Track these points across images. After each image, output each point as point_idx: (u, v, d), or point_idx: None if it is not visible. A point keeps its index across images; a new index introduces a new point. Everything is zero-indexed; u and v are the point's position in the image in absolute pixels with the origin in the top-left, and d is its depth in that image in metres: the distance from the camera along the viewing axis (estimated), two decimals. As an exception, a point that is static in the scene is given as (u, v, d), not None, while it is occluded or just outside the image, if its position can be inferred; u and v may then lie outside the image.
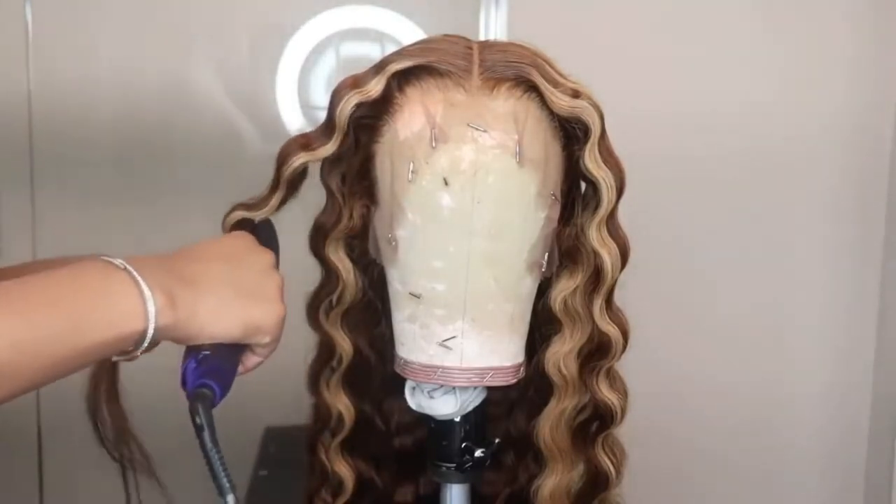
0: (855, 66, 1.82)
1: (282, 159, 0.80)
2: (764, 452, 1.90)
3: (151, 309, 0.62)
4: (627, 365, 0.86)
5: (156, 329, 0.63)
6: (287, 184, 0.80)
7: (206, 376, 0.65)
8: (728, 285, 1.84)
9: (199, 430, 0.62)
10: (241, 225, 0.83)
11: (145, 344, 0.63)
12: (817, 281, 1.88)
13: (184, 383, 0.66)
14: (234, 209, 0.83)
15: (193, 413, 0.63)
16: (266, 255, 0.75)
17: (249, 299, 0.69)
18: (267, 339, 0.71)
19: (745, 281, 1.85)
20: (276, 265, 0.77)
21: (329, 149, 0.78)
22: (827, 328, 1.89)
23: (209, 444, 0.62)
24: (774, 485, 1.90)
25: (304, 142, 0.80)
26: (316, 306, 0.88)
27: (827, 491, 1.93)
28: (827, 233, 1.87)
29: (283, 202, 0.82)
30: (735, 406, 1.86)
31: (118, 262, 0.63)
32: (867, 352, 1.89)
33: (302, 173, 0.81)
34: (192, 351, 0.67)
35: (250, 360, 0.73)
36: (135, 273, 0.62)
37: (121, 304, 0.62)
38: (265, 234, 0.82)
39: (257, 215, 0.82)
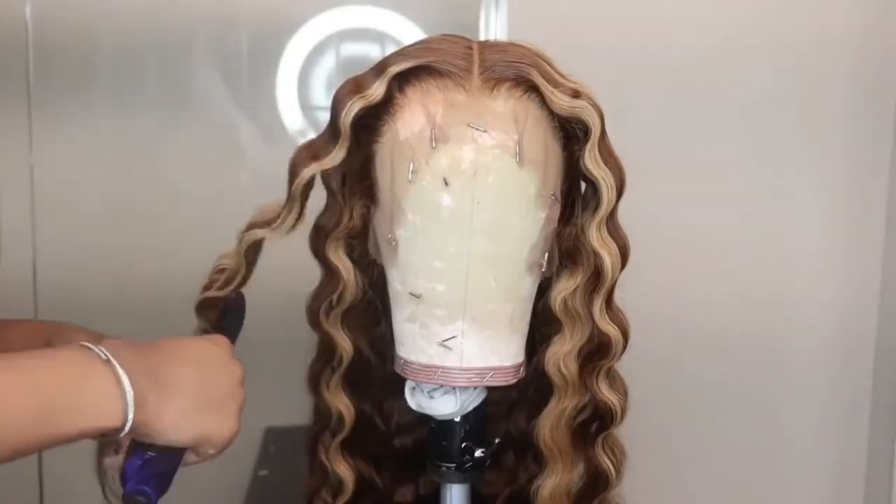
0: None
1: (293, 172, 0.80)
2: (763, 456, 1.89)
3: (130, 412, 0.62)
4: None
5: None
6: (302, 196, 0.81)
7: (147, 482, 0.67)
8: (724, 287, 1.83)
9: None
10: (212, 302, 0.85)
11: (118, 436, 0.64)
12: (815, 268, 1.87)
13: (123, 481, 0.67)
14: (251, 227, 0.83)
15: None
16: (238, 370, 0.75)
17: (210, 413, 0.70)
18: (212, 451, 0.72)
19: (744, 262, 1.84)
20: (242, 381, 0.77)
21: (336, 157, 0.78)
22: (827, 330, 1.89)
23: None
24: (775, 487, 1.90)
25: (312, 152, 0.80)
26: (316, 306, 0.88)
27: (827, 492, 1.93)
28: (827, 214, 1.86)
29: (300, 215, 0.82)
30: (733, 407, 1.86)
31: (101, 352, 0.63)
32: (867, 348, 1.89)
33: (310, 183, 0.81)
34: (139, 448, 0.68)
35: (190, 457, 0.73)
36: (120, 371, 0.62)
37: (101, 399, 0.62)
38: (235, 308, 0.84)
39: (275, 235, 0.82)
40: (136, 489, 0.66)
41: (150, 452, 0.68)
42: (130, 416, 0.62)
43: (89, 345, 0.63)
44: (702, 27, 1.77)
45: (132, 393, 0.62)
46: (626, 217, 0.83)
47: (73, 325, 0.87)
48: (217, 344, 0.76)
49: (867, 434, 1.90)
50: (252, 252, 0.84)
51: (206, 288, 0.86)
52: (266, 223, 0.82)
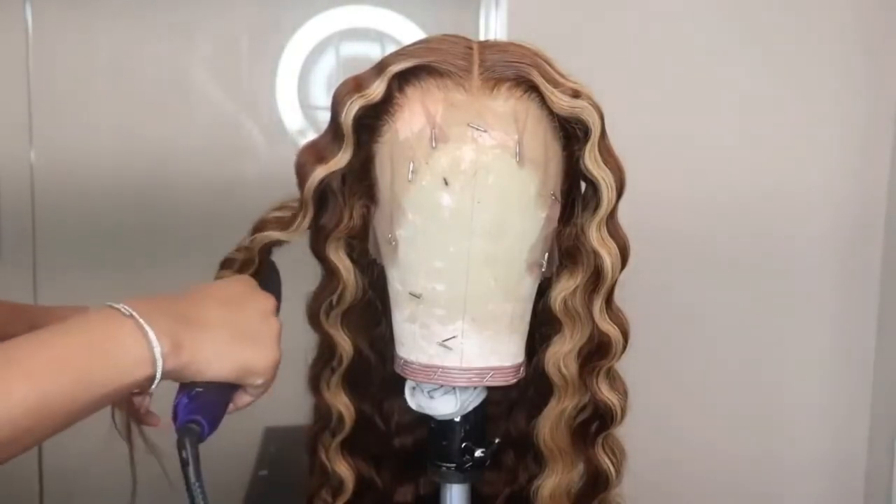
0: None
1: (302, 177, 0.80)
2: (763, 455, 1.89)
3: (159, 356, 0.64)
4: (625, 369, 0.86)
5: (163, 373, 0.65)
6: (314, 200, 0.80)
7: (197, 412, 0.67)
8: (726, 293, 1.83)
9: (184, 463, 0.64)
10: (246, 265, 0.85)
11: (153, 387, 0.66)
12: (817, 285, 1.88)
13: (175, 417, 0.68)
14: (264, 226, 0.83)
15: (180, 447, 0.65)
16: (267, 301, 0.76)
17: (246, 343, 0.71)
18: (259, 381, 0.73)
19: (743, 288, 1.84)
20: (278, 309, 0.78)
21: (343, 159, 0.79)
22: (827, 332, 1.89)
23: (193, 479, 0.64)
24: (774, 486, 1.90)
25: (317, 154, 0.80)
26: (317, 307, 0.88)
27: (827, 492, 1.93)
28: (826, 236, 1.86)
29: (316, 217, 0.82)
30: (734, 409, 1.86)
31: (124, 308, 0.65)
32: (867, 354, 1.89)
33: (322, 185, 0.81)
34: (185, 388, 0.69)
35: (242, 399, 0.74)
36: (141, 321, 0.64)
37: (130, 354, 0.63)
38: (268, 276, 0.84)
39: (287, 235, 0.82)
40: (187, 419, 0.67)
41: (197, 388, 0.69)
42: (160, 364, 0.64)
43: (113, 304, 0.66)
44: (703, 24, 1.77)
45: (157, 341, 0.64)
46: (628, 215, 0.83)
47: (56, 307, 0.89)
48: (240, 280, 0.78)
49: (867, 434, 1.91)
50: (265, 252, 0.85)
51: (224, 266, 0.87)
52: (281, 226, 0.82)
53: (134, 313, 0.64)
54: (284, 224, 0.82)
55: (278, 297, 0.83)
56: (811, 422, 1.91)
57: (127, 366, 0.63)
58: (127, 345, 0.63)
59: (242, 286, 0.77)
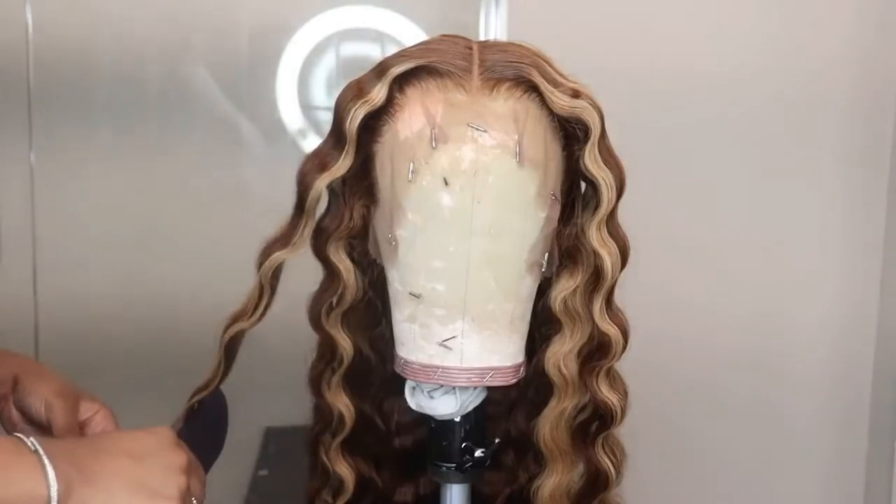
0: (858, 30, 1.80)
1: (304, 185, 0.80)
2: (762, 445, 1.89)
3: (55, 495, 0.63)
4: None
5: None
6: (314, 208, 0.81)
7: None
8: (726, 274, 1.83)
9: None
10: (191, 410, 0.86)
11: None
12: (815, 269, 1.87)
13: None
14: (270, 251, 0.82)
15: None
16: (177, 456, 0.74)
17: (144, 497, 0.70)
18: None
19: (744, 265, 1.83)
20: (214, 458, 0.77)
21: (344, 165, 0.78)
22: (826, 323, 1.88)
23: None
24: (774, 483, 1.90)
25: (319, 161, 0.80)
26: (318, 308, 0.88)
27: (827, 490, 1.93)
28: (827, 219, 1.85)
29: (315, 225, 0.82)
30: (732, 394, 1.86)
31: (31, 442, 0.65)
32: (867, 348, 1.89)
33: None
34: None
35: None
36: (45, 459, 0.64)
37: (24, 489, 0.63)
38: (212, 411, 0.84)
39: (293, 251, 0.82)
40: None
41: None
42: (55, 502, 0.63)
43: (20, 435, 0.66)
44: (701, 26, 1.77)
45: (55, 481, 0.63)
46: (626, 218, 0.83)
47: (9, 352, 0.89)
48: (154, 434, 0.75)
49: (867, 434, 1.91)
50: (275, 277, 0.83)
51: (235, 319, 0.85)
52: (283, 243, 0.82)
53: (39, 449, 0.64)
54: (286, 240, 0.82)
55: (222, 426, 0.84)
56: (811, 425, 1.91)
57: (20, 499, 0.63)
58: (24, 477, 0.63)
59: (153, 439, 0.75)
